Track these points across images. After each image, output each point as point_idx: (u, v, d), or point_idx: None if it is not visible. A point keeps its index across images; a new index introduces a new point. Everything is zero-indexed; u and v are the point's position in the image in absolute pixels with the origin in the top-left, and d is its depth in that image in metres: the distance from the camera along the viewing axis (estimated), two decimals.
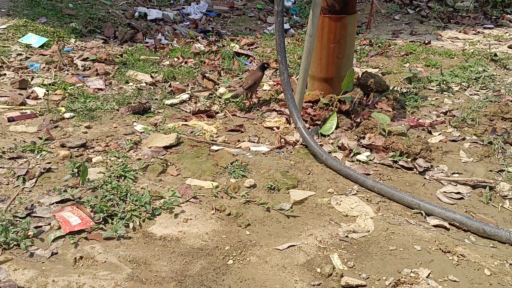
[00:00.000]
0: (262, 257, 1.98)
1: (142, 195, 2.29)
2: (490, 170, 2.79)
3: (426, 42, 5.45)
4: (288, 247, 2.04)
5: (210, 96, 3.75)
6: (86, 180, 2.39)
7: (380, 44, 5.30)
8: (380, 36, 5.77)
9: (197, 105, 3.55)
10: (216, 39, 5.33)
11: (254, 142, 3.06)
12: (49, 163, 2.59)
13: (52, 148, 2.76)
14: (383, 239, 2.12)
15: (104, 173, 2.47)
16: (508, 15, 7.18)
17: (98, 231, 2.09)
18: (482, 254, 2.05)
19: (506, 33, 6.20)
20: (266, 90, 3.92)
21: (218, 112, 3.50)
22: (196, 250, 2.00)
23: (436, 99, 3.84)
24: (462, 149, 3.02)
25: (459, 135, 3.19)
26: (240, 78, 4.14)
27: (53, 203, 2.27)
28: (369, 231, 2.18)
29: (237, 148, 2.93)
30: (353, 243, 2.10)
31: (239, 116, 3.45)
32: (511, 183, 2.60)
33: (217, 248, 2.02)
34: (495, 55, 4.91)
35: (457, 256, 2.01)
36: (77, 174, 2.46)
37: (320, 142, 3.07)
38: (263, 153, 2.85)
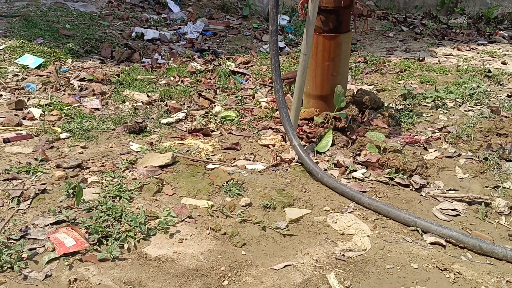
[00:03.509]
0: (257, 277, 1.97)
1: (137, 215, 2.28)
2: (486, 186, 2.79)
3: (421, 59, 5.51)
4: (284, 267, 2.03)
5: (206, 114, 3.76)
6: (81, 200, 2.38)
7: (374, 61, 5.35)
8: (375, 54, 5.82)
9: (193, 124, 3.56)
10: (212, 58, 5.37)
11: (250, 160, 3.06)
12: (44, 184, 2.58)
13: (48, 169, 2.75)
14: (379, 258, 2.11)
15: (99, 194, 2.46)
16: (501, 31, 7.27)
17: (93, 253, 2.07)
18: (478, 271, 2.04)
19: (499, 49, 6.27)
20: (262, 107, 3.94)
21: (214, 131, 3.51)
22: (191, 271, 1.98)
23: (431, 115, 3.86)
24: (457, 165, 3.03)
25: (454, 151, 3.20)
26: (236, 96, 4.16)
27: (47, 225, 2.25)
28: (365, 249, 2.17)
29: (232, 166, 2.93)
30: (350, 262, 2.08)
31: (235, 134, 3.46)
32: (507, 199, 2.60)
33: (213, 269, 2.00)
34: (489, 71, 4.95)
35: (454, 274, 2.00)
36: (72, 195, 2.45)
37: (316, 159, 3.07)
38: (259, 171, 2.85)
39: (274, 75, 3.08)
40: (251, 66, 5.25)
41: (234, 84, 4.52)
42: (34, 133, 3.23)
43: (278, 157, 3.04)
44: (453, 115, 3.87)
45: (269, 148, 3.26)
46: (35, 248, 2.09)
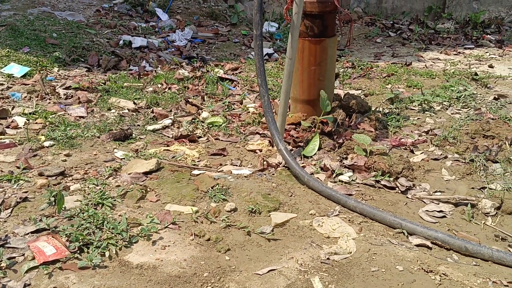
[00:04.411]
0: (241, 283, 1.93)
1: (119, 222, 2.24)
2: (472, 188, 2.79)
3: (408, 63, 5.53)
4: (268, 272, 2.00)
5: (193, 120, 3.74)
6: (63, 208, 2.34)
7: (362, 67, 5.36)
8: (363, 59, 5.84)
9: (179, 130, 3.53)
10: (201, 64, 5.35)
11: (236, 165, 3.04)
12: (26, 192, 2.54)
13: (30, 177, 2.71)
14: (365, 260, 2.09)
15: (81, 201, 2.43)
16: (488, 35, 7.33)
17: (74, 261, 2.03)
18: (464, 273, 2.02)
19: (486, 52, 6.31)
20: (249, 113, 3.92)
21: (200, 137, 3.48)
22: (173, 278, 1.95)
23: (418, 118, 3.86)
24: (444, 167, 3.03)
25: (441, 154, 3.20)
26: (224, 103, 4.15)
27: (28, 233, 2.21)
28: (351, 252, 2.15)
29: (218, 171, 2.90)
30: (335, 265, 2.06)
31: (222, 140, 3.43)
32: (493, 200, 2.59)
33: (195, 275, 1.97)
34: (476, 74, 4.98)
35: (440, 276, 1.98)
36: (54, 203, 2.41)
37: (303, 163, 3.05)
38: (245, 176, 2.82)
39: (259, 79, 3.06)
40: (240, 72, 5.24)
41: (222, 91, 4.51)
42: (17, 141, 3.19)
43: (264, 162, 3.01)
44: (440, 118, 3.87)
45: (256, 153, 3.23)
46: (15, 257, 2.05)
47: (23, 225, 2.28)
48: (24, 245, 2.13)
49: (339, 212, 2.48)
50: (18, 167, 2.79)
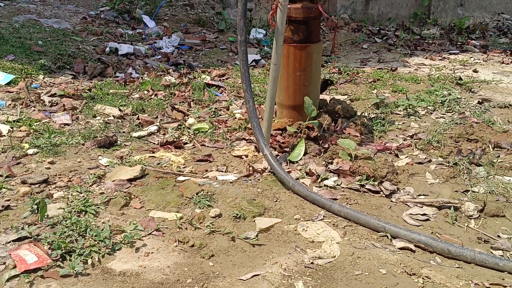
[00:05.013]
0: None
1: (103, 230, 2.22)
2: (456, 191, 2.81)
3: (393, 68, 5.58)
4: (251, 277, 2.00)
5: (179, 127, 3.73)
6: (45, 216, 2.32)
7: (348, 72, 5.40)
8: (349, 64, 5.89)
9: (165, 137, 3.53)
10: (187, 71, 5.35)
11: (222, 171, 3.03)
12: (8, 200, 2.51)
13: (13, 185, 2.68)
14: (348, 264, 2.10)
15: (64, 209, 2.40)
16: (473, 41, 7.45)
17: (56, 269, 2.01)
18: (447, 275, 2.03)
19: (470, 57, 6.40)
20: (236, 119, 3.93)
21: (186, 143, 3.48)
22: (156, 285, 1.93)
23: (403, 123, 3.89)
24: (428, 171, 3.05)
25: (425, 158, 3.22)
26: (210, 109, 4.15)
27: (9, 241, 2.18)
28: (335, 256, 2.15)
29: (204, 178, 2.89)
30: (319, 270, 2.06)
31: (208, 146, 3.43)
32: (476, 202, 2.62)
33: (178, 282, 1.96)
34: (460, 79, 5.04)
35: (422, 278, 1.99)
36: (36, 211, 2.38)
37: (288, 168, 3.06)
38: (230, 182, 2.82)
39: (244, 85, 3.07)
40: (227, 78, 5.25)
41: (209, 97, 4.51)
42: (1, 149, 3.15)
43: (250, 168, 3.02)
44: (425, 122, 3.91)
45: (242, 159, 3.23)
46: None
47: (5, 233, 2.25)
48: (5, 254, 2.10)
49: (323, 216, 2.49)
50: (1, 175, 2.76)
